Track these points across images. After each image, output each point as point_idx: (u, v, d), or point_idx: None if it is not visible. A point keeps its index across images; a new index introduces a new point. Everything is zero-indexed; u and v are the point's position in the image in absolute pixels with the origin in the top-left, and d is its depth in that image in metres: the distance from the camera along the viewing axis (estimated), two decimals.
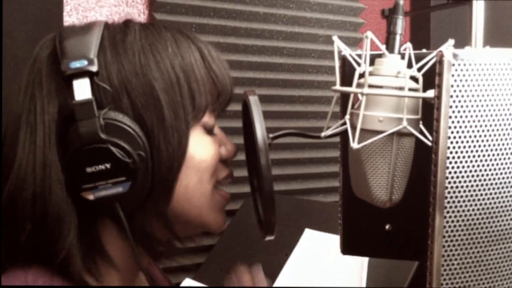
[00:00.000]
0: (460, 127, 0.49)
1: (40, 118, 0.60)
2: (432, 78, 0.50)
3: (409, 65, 0.57)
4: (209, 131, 0.68)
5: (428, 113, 0.53)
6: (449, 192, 0.49)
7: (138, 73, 0.62)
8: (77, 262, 0.60)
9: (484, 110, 0.49)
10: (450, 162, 0.49)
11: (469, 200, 0.49)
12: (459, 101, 0.49)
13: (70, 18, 1.23)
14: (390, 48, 0.57)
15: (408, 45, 0.59)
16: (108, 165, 0.58)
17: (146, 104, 0.61)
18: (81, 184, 0.59)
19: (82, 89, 0.58)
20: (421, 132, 0.56)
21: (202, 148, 0.66)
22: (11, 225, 0.61)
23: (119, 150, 0.58)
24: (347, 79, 0.61)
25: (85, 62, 0.59)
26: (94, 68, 0.59)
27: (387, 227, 0.67)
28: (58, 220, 0.59)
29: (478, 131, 0.49)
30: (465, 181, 0.49)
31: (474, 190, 0.49)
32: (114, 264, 0.64)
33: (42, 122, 0.60)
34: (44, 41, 0.65)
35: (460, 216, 0.49)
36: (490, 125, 0.49)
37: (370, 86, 0.54)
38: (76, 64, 0.59)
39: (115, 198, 0.60)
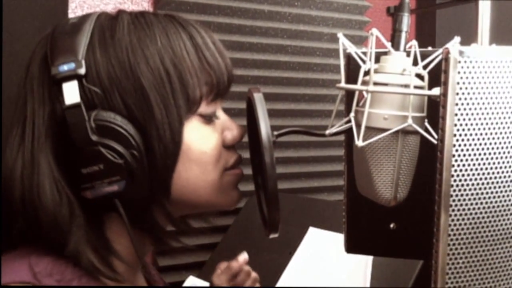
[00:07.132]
0: (466, 124, 0.48)
1: (30, 121, 0.62)
2: (437, 76, 0.50)
3: (415, 63, 0.56)
4: (208, 120, 0.67)
5: (434, 111, 0.52)
6: (454, 190, 0.49)
7: (127, 71, 0.62)
8: (87, 255, 0.61)
9: (491, 108, 0.49)
10: (456, 160, 0.48)
11: (475, 199, 0.49)
12: (465, 99, 0.48)
13: (76, 15, 1.23)
14: (395, 45, 0.56)
15: (414, 42, 0.58)
16: (101, 166, 0.60)
17: (136, 102, 0.62)
18: (78, 184, 0.61)
19: (71, 93, 0.59)
20: (427, 130, 0.55)
21: (200, 140, 0.66)
22: (7, 223, 0.63)
23: (111, 151, 0.59)
24: (352, 77, 0.61)
25: (73, 65, 0.60)
26: (82, 71, 0.60)
27: (391, 225, 0.67)
28: (55, 218, 0.60)
29: (484, 129, 0.49)
30: (470, 179, 0.49)
31: (480, 189, 0.49)
32: (120, 257, 0.65)
33: (32, 124, 0.62)
34: (41, 40, 0.66)
35: (466, 214, 0.49)
36: (497, 123, 0.49)
37: (376, 83, 0.54)
38: (64, 68, 0.60)
39: (113, 195, 0.61)
